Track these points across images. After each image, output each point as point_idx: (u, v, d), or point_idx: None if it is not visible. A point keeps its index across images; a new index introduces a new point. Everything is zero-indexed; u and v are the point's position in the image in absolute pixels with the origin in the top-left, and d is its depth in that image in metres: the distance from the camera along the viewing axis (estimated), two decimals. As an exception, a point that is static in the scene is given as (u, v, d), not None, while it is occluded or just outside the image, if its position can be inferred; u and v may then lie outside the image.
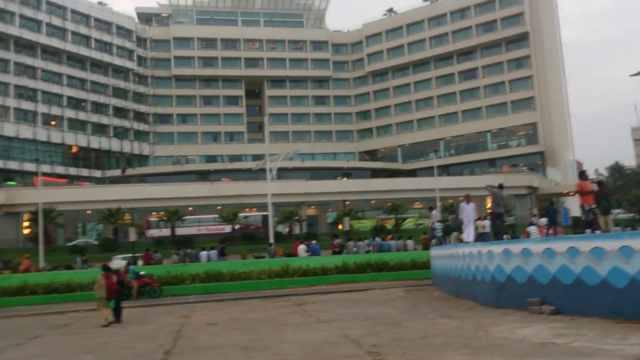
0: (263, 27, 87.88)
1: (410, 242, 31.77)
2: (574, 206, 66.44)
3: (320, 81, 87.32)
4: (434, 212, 25.47)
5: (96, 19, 74.39)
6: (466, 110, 79.36)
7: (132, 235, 40.79)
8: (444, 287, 19.05)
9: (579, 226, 27.23)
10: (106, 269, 15.83)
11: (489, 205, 33.39)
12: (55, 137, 68.45)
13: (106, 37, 75.31)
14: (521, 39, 76.26)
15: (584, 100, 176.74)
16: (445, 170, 73.52)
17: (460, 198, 52.96)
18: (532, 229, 21.45)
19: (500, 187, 17.25)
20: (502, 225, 17.70)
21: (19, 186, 56.70)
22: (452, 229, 25.54)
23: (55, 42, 69.34)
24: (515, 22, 75.95)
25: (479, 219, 20.49)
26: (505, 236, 23.56)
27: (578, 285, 11.13)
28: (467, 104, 79.30)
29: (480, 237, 20.00)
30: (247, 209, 55.90)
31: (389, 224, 54.90)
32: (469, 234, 18.06)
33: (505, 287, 13.27)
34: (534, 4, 75.22)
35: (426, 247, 28.62)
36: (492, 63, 78.01)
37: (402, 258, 26.38)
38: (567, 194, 68.13)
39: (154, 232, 50.91)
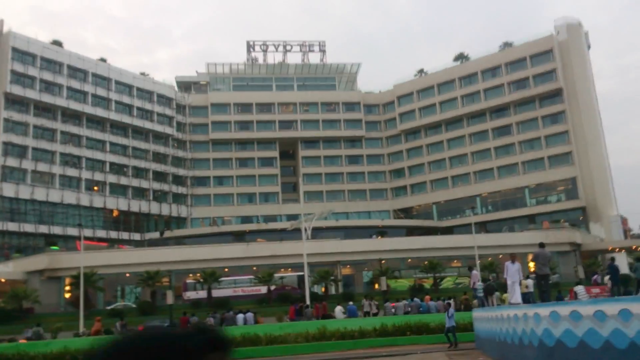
0: (297, 91, 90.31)
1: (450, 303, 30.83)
2: (621, 263, 63.95)
3: (353, 141, 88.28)
4: (474, 271, 24.89)
5: (138, 89, 77.87)
6: (502, 166, 78.61)
7: (170, 298, 40.80)
8: (488, 351, 18.30)
9: (629, 285, 26.15)
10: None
11: (532, 264, 32.37)
12: (98, 201, 70.50)
13: (147, 105, 78.52)
14: (555, 95, 76.06)
15: (623, 152, 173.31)
16: (483, 227, 72.20)
17: (500, 257, 51.73)
18: (580, 289, 20.69)
19: (541, 245, 16.79)
20: (547, 286, 17.07)
21: (61, 250, 58.07)
22: (494, 289, 24.87)
23: (99, 112, 72.63)
24: (548, 78, 76.01)
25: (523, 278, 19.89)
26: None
27: (633, 351, 10.55)
28: (502, 160, 78.61)
29: (524, 297, 19.37)
30: (282, 270, 55.60)
31: (427, 283, 53.67)
32: (515, 295, 17.42)
33: (554, 352, 12.67)
34: (567, 61, 75.41)
35: (467, 308, 27.80)
36: (527, 119, 77.68)
37: (443, 320, 25.55)
38: (613, 250, 65.67)
39: (190, 295, 50.87)
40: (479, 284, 23.28)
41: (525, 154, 77.25)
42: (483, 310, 20.13)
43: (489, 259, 53.63)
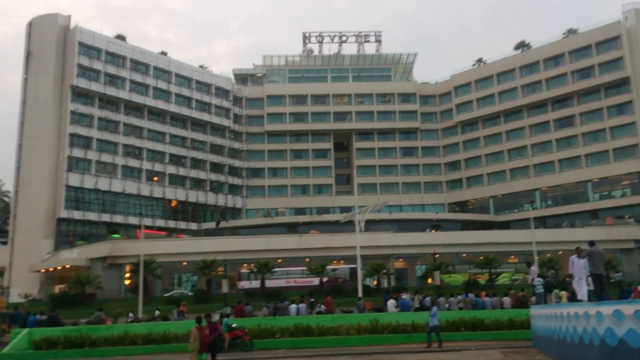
0: (352, 82, 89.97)
1: (507, 300, 30.03)
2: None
3: (408, 133, 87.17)
4: (533, 267, 24.07)
5: (197, 81, 79.67)
6: (563, 159, 75.67)
7: (225, 287, 41.70)
8: (546, 350, 17.73)
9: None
10: (199, 321, 16.16)
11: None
12: (157, 191, 72.81)
13: (205, 98, 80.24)
14: (622, 84, 72.37)
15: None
16: (542, 222, 69.85)
17: (560, 253, 50.05)
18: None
19: (592, 243, 15.89)
20: (603, 285, 16.11)
21: (122, 239, 60.35)
22: (553, 286, 24.03)
23: (160, 104, 74.81)
24: (615, 66, 72.36)
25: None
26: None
27: None
28: (564, 152, 75.68)
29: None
30: (334, 262, 55.73)
31: (482, 279, 52.48)
32: (582, 291, 16.42)
33: (616, 352, 12.09)
34: (635, 48, 71.60)
35: (524, 304, 27.02)
36: (591, 110, 74.30)
37: (498, 316, 24.95)
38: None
39: (244, 284, 51.79)
40: (538, 280, 22.50)
41: (588, 146, 74.03)
42: (541, 307, 19.50)
43: (548, 255, 51.87)
